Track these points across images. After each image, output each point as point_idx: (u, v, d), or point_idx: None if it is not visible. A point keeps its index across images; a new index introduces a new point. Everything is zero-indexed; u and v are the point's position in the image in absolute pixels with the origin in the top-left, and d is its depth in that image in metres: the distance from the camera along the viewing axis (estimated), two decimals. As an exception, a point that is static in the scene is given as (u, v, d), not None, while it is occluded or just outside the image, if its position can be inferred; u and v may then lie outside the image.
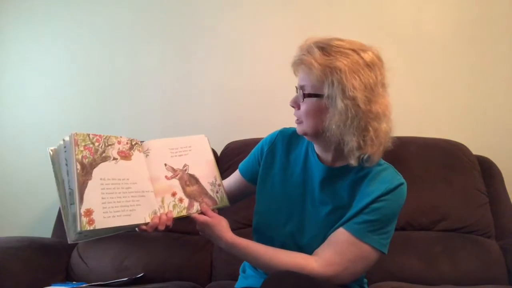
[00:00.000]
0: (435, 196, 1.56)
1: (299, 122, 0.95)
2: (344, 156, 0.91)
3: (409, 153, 1.61)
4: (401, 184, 0.91)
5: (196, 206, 0.98)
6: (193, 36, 1.99)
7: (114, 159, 0.91)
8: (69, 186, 0.84)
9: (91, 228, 0.80)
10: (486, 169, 1.64)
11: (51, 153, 0.88)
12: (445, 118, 1.86)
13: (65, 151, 0.86)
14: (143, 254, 1.58)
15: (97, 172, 0.86)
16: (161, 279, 1.50)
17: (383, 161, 0.95)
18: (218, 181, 1.04)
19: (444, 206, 1.55)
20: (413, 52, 1.88)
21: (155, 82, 2.01)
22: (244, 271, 1.13)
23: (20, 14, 2.07)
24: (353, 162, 0.89)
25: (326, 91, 0.86)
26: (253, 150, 1.14)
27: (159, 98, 2.01)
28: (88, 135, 0.89)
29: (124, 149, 0.94)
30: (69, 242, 0.84)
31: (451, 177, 1.58)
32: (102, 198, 0.84)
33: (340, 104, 0.84)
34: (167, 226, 0.92)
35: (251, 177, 1.11)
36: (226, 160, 1.70)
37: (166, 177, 0.97)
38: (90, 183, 0.84)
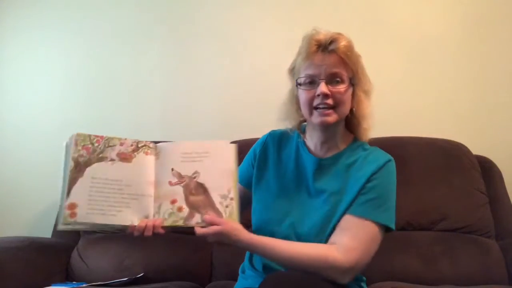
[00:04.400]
0: (435, 196, 1.56)
1: (331, 110, 0.96)
2: (336, 144, 1.02)
3: (409, 153, 1.61)
4: (389, 160, 0.98)
5: (197, 218, 0.91)
6: (193, 36, 1.99)
7: (111, 160, 0.93)
8: (64, 180, 0.91)
9: (72, 220, 0.87)
10: (486, 169, 1.63)
11: (64, 149, 0.93)
12: (445, 118, 1.85)
13: (66, 150, 0.92)
14: (143, 254, 1.58)
15: (89, 171, 0.91)
16: (161, 279, 1.50)
17: (368, 146, 1.02)
18: (231, 195, 0.94)
19: (444, 206, 1.55)
20: (413, 52, 1.87)
21: (155, 82, 2.01)
22: (243, 272, 1.13)
23: (20, 14, 2.07)
24: (361, 135, 1.01)
25: (356, 75, 0.97)
26: (246, 156, 1.16)
27: (159, 98, 2.01)
28: (90, 135, 0.93)
29: (125, 151, 0.95)
30: (57, 229, 0.91)
31: (451, 177, 1.58)
32: (89, 195, 0.89)
33: (361, 88, 1.00)
34: (156, 233, 0.90)
35: (247, 182, 1.12)
36: (226, 160, 1.70)
37: (169, 182, 0.93)
38: (80, 180, 0.90)
